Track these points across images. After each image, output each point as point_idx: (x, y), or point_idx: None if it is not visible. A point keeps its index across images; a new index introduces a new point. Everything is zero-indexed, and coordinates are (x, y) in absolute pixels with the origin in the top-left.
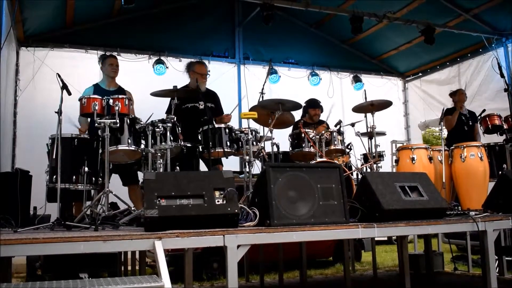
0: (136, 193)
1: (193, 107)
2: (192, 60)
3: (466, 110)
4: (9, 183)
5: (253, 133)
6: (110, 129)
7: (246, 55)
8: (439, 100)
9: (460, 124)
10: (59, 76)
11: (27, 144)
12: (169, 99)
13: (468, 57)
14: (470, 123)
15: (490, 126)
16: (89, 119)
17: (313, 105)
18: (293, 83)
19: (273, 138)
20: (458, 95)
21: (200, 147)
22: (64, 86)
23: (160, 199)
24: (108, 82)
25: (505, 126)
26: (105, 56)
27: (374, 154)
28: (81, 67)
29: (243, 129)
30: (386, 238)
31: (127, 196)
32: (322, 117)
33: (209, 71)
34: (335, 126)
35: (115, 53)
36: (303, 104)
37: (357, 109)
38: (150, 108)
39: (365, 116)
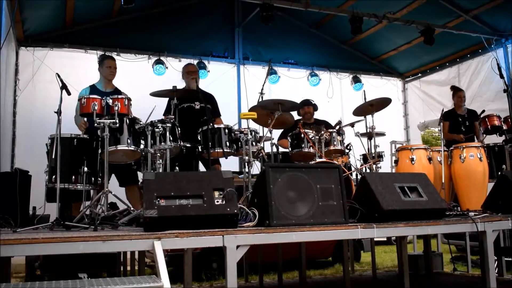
0: (134, 194)
1: (189, 106)
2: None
3: (465, 110)
4: (9, 183)
5: (253, 133)
6: (109, 129)
7: (246, 55)
8: (438, 101)
9: (457, 126)
10: (59, 76)
11: (27, 144)
12: (166, 99)
13: (468, 58)
14: (467, 124)
15: (489, 126)
16: (85, 118)
17: (303, 103)
18: (293, 84)
19: (273, 139)
20: (456, 97)
21: (200, 147)
22: (64, 86)
23: (160, 199)
24: (105, 84)
25: (505, 127)
26: (103, 57)
27: (373, 155)
28: (81, 67)
29: (243, 130)
30: (385, 239)
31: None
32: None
33: (207, 70)
34: (335, 126)
35: (114, 54)
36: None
37: (357, 112)
38: (149, 108)
39: (365, 117)
